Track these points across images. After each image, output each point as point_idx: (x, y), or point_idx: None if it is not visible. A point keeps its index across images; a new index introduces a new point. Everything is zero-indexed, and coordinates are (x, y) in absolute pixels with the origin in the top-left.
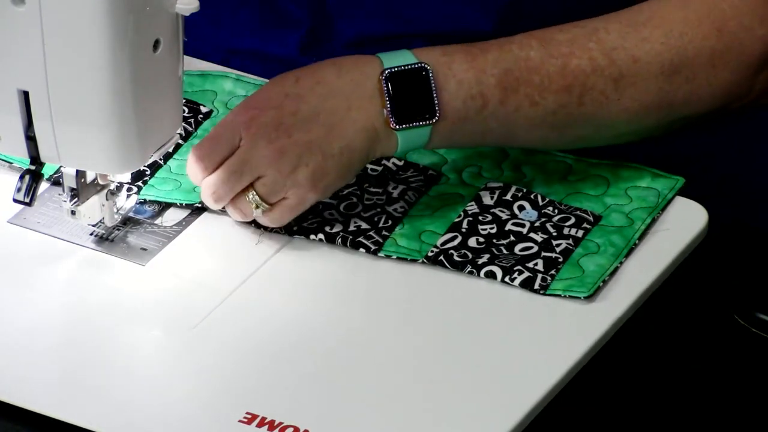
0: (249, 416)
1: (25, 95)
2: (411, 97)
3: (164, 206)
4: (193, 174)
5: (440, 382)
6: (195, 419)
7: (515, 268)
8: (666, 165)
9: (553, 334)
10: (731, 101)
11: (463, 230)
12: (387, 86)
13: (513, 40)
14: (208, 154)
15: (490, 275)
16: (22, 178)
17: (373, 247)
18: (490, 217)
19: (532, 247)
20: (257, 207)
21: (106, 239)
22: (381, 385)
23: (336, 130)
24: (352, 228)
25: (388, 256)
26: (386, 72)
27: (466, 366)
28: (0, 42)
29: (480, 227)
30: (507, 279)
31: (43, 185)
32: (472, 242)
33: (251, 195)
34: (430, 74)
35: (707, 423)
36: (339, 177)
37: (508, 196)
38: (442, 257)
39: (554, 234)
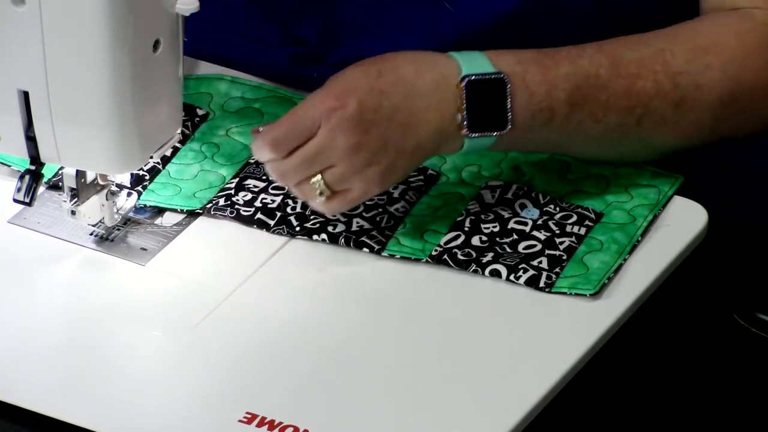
0: (249, 416)
1: (25, 95)
2: (486, 107)
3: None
4: (262, 154)
5: (440, 382)
6: (195, 419)
7: (520, 267)
8: (666, 165)
9: (553, 334)
10: None
11: (466, 229)
12: (465, 92)
13: (583, 53)
14: (284, 139)
15: (495, 274)
16: (22, 178)
17: (376, 247)
18: (492, 216)
19: (535, 245)
20: (321, 194)
21: (106, 239)
22: (381, 385)
23: (411, 129)
24: (354, 228)
25: (391, 256)
26: (466, 79)
27: (466, 366)
28: (0, 42)
29: (483, 226)
30: (512, 277)
31: (43, 186)
32: (475, 241)
33: (318, 182)
34: (507, 86)
35: (707, 423)
36: (405, 174)
37: (509, 195)
38: (446, 256)
39: (557, 232)
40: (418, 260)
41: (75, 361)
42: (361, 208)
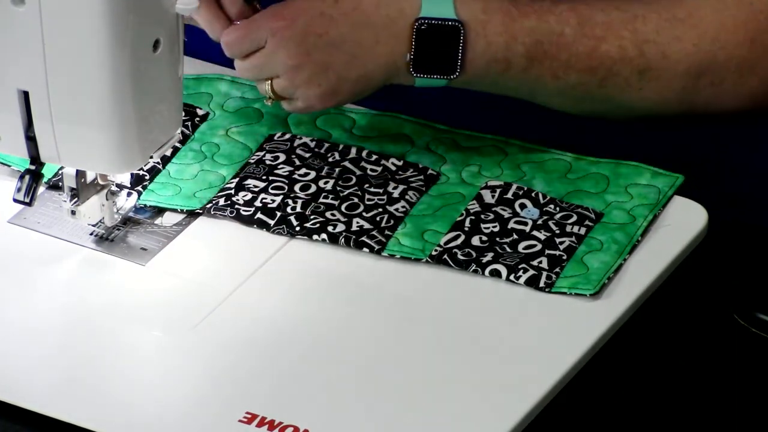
0: (249, 416)
1: (25, 95)
2: (436, 51)
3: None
4: (224, 45)
5: (440, 382)
6: (195, 419)
7: (520, 267)
8: (666, 165)
9: (553, 334)
10: (758, 108)
11: (466, 229)
12: (416, 35)
13: (554, 10)
14: (236, 43)
15: (495, 274)
16: (22, 178)
17: (376, 247)
18: (492, 216)
19: (535, 245)
20: (269, 98)
21: (106, 239)
22: (381, 384)
23: (358, 60)
24: (354, 228)
25: (391, 256)
26: (419, 21)
27: (466, 366)
28: (0, 42)
29: (483, 226)
30: (512, 277)
31: (43, 186)
32: (475, 241)
33: (267, 87)
34: (461, 34)
35: (707, 423)
36: (350, 98)
37: (509, 195)
38: (446, 256)
39: (557, 232)
40: (418, 260)
41: (75, 361)
42: (361, 208)
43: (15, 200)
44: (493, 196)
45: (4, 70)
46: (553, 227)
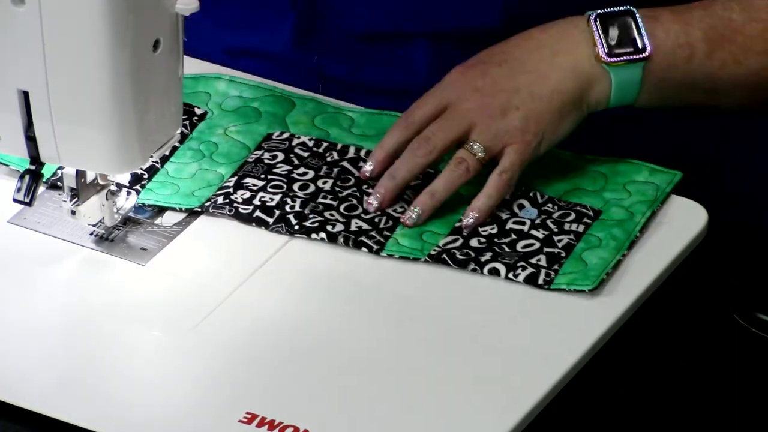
0: (249, 416)
1: (25, 95)
2: (621, 35)
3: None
4: (396, 133)
5: (440, 382)
6: (195, 419)
7: (518, 264)
8: (666, 164)
9: (552, 334)
10: None
11: (464, 234)
12: (596, 25)
13: (715, 2)
14: (415, 111)
15: (494, 272)
16: (22, 178)
17: (375, 247)
18: (489, 218)
19: (534, 244)
20: (483, 155)
21: (106, 239)
22: (381, 384)
23: (543, 75)
24: (353, 228)
25: (390, 256)
26: (594, 14)
27: (466, 365)
28: (0, 42)
29: (480, 228)
30: (511, 275)
31: (43, 186)
32: (473, 243)
33: (473, 145)
34: (638, 16)
35: (707, 423)
36: (554, 120)
37: (507, 196)
38: (444, 255)
39: (555, 230)
40: (416, 260)
41: (75, 361)
42: (360, 209)
43: (15, 200)
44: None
45: (4, 70)
46: (552, 226)
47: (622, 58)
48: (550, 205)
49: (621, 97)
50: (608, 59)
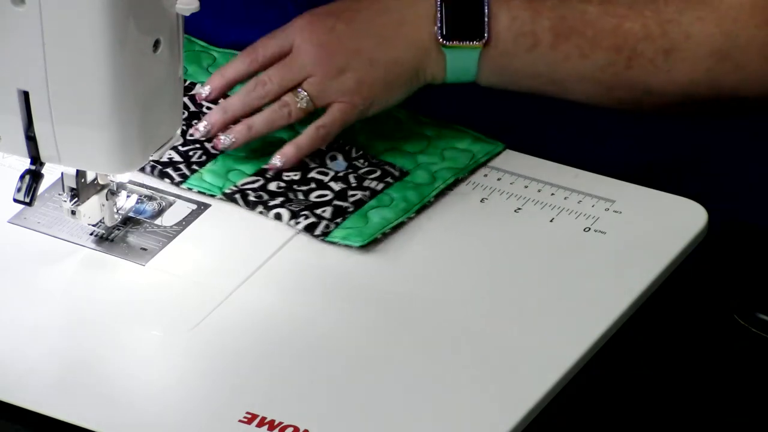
0: (249, 416)
1: (25, 95)
2: (462, 18)
3: (164, 206)
4: (238, 65)
5: (441, 382)
6: (195, 419)
7: (302, 213)
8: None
9: (552, 334)
10: None
11: (268, 176)
12: (441, 5)
13: None
14: (259, 48)
15: (278, 217)
16: (22, 178)
17: (177, 179)
18: (298, 164)
19: (327, 195)
20: (306, 106)
21: (106, 239)
22: (381, 384)
23: (386, 42)
24: (165, 159)
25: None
26: None
27: (466, 365)
28: (0, 42)
29: (284, 174)
30: (292, 222)
31: (43, 186)
32: (272, 186)
33: (300, 92)
34: (485, 3)
35: (707, 423)
36: (385, 90)
37: (323, 148)
38: (238, 195)
39: (354, 185)
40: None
41: (75, 361)
42: (180, 141)
43: (15, 200)
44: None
45: (4, 70)
46: (352, 180)
47: (457, 42)
48: (362, 161)
49: (457, 76)
50: (443, 41)
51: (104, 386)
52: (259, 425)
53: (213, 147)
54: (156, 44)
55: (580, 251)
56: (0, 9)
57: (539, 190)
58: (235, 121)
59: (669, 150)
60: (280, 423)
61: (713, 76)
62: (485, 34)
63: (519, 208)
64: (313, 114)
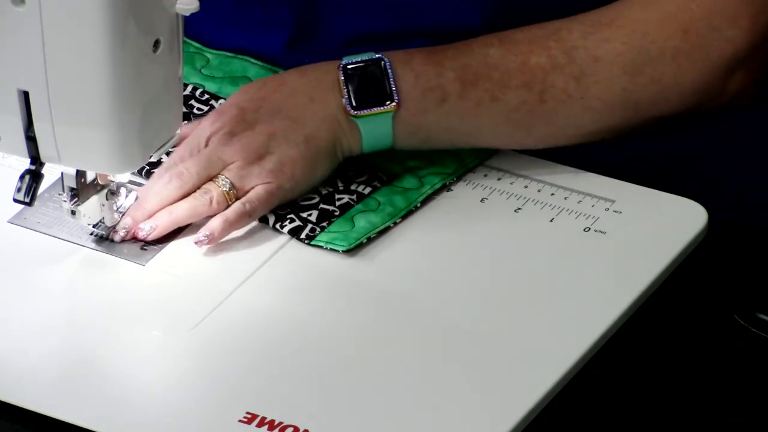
0: (249, 416)
1: (25, 95)
2: (368, 85)
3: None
4: (172, 191)
5: (441, 382)
6: (195, 419)
7: (288, 216)
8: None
9: (552, 334)
10: (702, 102)
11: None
12: (344, 76)
13: (475, 39)
14: (180, 155)
15: (263, 220)
16: (22, 178)
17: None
18: None
19: (314, 198)
20: (229, 190)
21: (106, 239)
22: (381, 384)
23: (299, 121)
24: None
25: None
26: (342, 63)
27: (467, 366)
28: (0, 42)
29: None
30: (278, 226)
31: (43, 186)
32: None
33: (222, 179)
34: (387, 65)
35: (707, 423)
36: (307, 167)
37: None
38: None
39: (341, 188)
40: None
41: (75, 361)
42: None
43: (15, 200)
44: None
45: (4, 70)
46: (339, 184)
47: (367, 110)
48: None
49: (374, 144)
50: (354, 112)
51: (104, 386)
52: (259, 425)
53: (134, 234)
54: (156, 44)
55: (580, 251)
56: (0, 9)
57: (539, 190)
58: None
59: (669, 150)
60: (280, 423)
61: (628, 95)
62: (395, 97)
63: (519, 208)
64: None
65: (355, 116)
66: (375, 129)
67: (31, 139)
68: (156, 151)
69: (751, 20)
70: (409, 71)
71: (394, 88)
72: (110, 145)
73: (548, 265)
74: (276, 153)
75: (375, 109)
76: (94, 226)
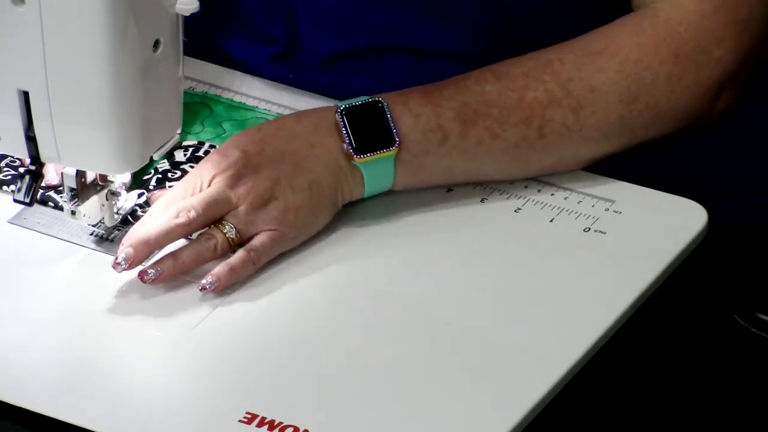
0: (249, 416)
1: (25, 95)
2: (368, 129)
3: None
4: (179, 231)
5: (441, 382)
6: (195, 419)
7: None
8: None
9: (552, 334)
10: (693, 123)
11: (150, 188)
12: (343, 120)
13: (469, 75)
14: (178, 197)
15: None
16: (22, 178)
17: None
18: (179, 174)
19: None
20: (234, 237)
21: (106, 239)
22: (381, 384)
23: (302, 166)
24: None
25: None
26: (341, 108)
27: (467, 365)
28: (0, 42)
29: (168, 184)
30: None
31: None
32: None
33: (228, 226)
34: (386, 106)
35: (707, 423)
36: (310, 214)
37: (201, 153)
38: None
39: None
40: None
41: (75, 361)
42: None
43: (15, 200)
44: (185, 155)
45: (4, 70)
46: None
47: (370, 154)
48: None
49: (376, 187)
50: (357, 156)
51: (104, 386)
52: (259, 425)
53: (140, 278)
54: (156, 44)
55: (580, 251)
56: (0, 9)
57: (539, 190)
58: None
59: (669, 150)
60: (280, 423)
61: (625, 122)
62: (396, 139)
63: (519, 208)
64: (240, 245)
65: (358, 161)
66: (377, 172)
67: (31, 139)
68: (156, 151)
69: (736, 39)
70: (407, 112)
71: (394, 131)
72: (110, 145)
73: (548, 265)
74: (281, 199)
75: (377, 152)
76: (94, 226)
